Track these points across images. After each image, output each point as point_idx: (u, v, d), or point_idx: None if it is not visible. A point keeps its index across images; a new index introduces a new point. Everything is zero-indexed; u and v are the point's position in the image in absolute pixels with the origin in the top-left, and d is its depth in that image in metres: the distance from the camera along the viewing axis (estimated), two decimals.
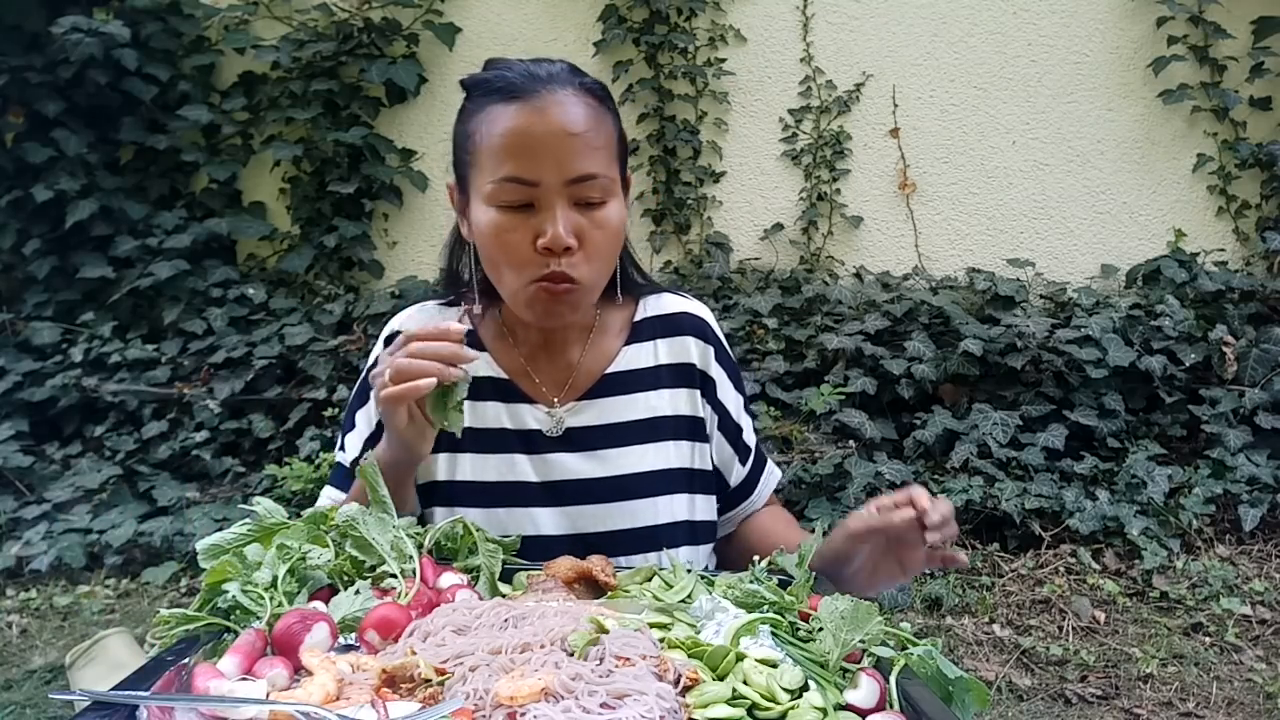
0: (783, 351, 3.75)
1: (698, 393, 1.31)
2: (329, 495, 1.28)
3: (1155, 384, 3.59)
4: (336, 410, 3.72)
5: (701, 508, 1.31)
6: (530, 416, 1.26)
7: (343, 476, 1.29)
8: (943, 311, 3.79)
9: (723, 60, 4.18)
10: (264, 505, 1.01)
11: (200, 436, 3.81)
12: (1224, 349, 3.58)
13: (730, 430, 1.33)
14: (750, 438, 1.36)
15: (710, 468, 1.32)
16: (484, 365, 1.27)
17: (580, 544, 1.17)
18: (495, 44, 4.28)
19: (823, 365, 3.71)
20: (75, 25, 3.88)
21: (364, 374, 1.32)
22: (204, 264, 4.20)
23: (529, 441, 1.25)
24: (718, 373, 1.33)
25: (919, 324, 3.79)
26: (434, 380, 1.03)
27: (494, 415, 1.26)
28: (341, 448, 1.31)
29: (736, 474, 1.35)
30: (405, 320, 1.31)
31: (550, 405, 1.26)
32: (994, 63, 4.12)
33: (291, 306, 4.14)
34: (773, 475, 1.41)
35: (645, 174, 4.21)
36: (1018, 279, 3.96)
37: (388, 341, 1.29)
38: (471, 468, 1.24)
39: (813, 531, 1.12)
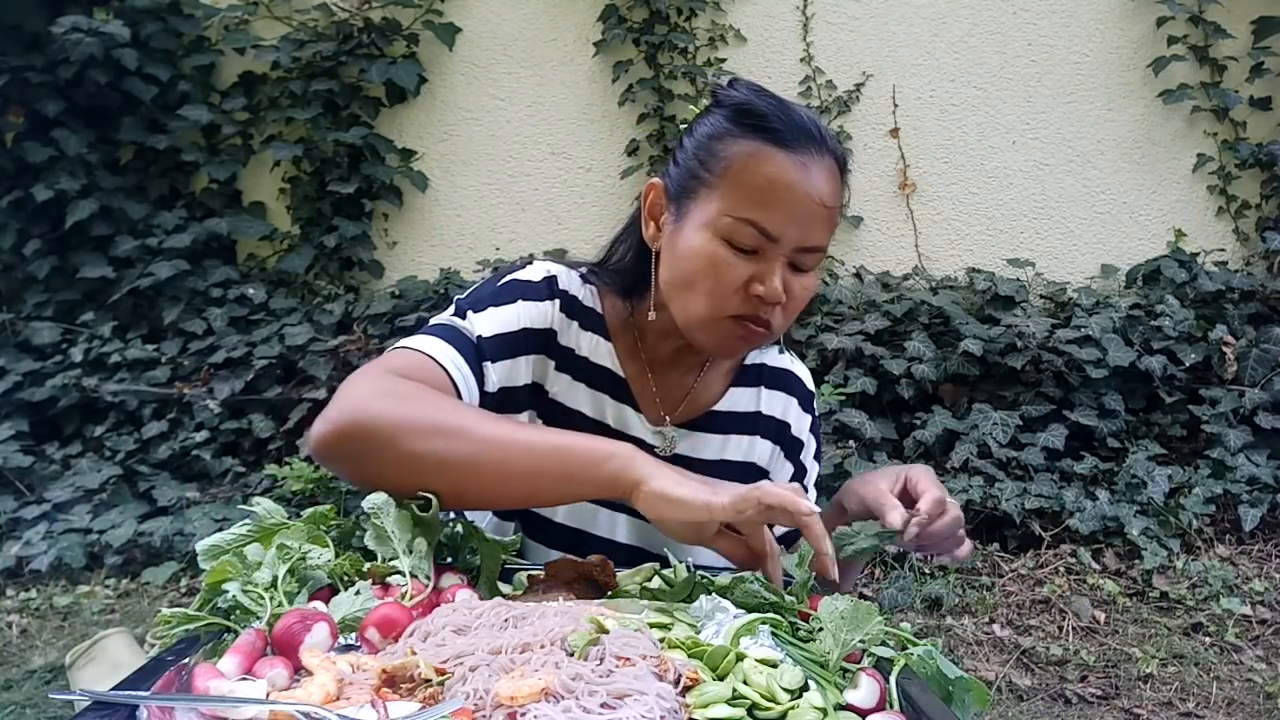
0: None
1: (777, 449, 1.32)
2: (448, 355, 1.09)
3: (1155, 384, 3.59)
4: None
5: None
6: (635, 423, 1.24)
7: (466, 345, 1.12)
8: (943, 311, 3.79)
9: (723, 60, 4.18)
10: (264, 505, 1.01)
11: (200, 436, 3.82)
12: (1224, 349, 3.58)
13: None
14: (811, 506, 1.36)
15: None
16: (606, 355, 1.23)
17: (644, 559, 1.15)
18: (495, 44, 4.29)
19: (823, 365, 3.71)
20: (75, 25, 3.88)
21: (503, 280, 1.20)
22: (204, 264, 4.20)
23: None
24: (808, 439, 1.36)
25: (919, 324, 3.80)
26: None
27: (601, 407, 1.23)
28: (461, 315, 1.16)
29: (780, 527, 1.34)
30: (570, 282, 1.22)
31: (657, 422, 1.25)
32: (994, 63, 4.12)
33: (291, 306, 4.14)
34: None
35: (645, 174, 4.20)
36: (1018, 279, 3.96)
37: (551, 283, 1.20)
38: None
39: None
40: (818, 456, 1.37)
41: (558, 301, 1.21)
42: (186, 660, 0.80)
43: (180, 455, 3.84)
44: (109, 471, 3.74)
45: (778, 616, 0.92)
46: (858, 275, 4.15)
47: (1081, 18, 4.07)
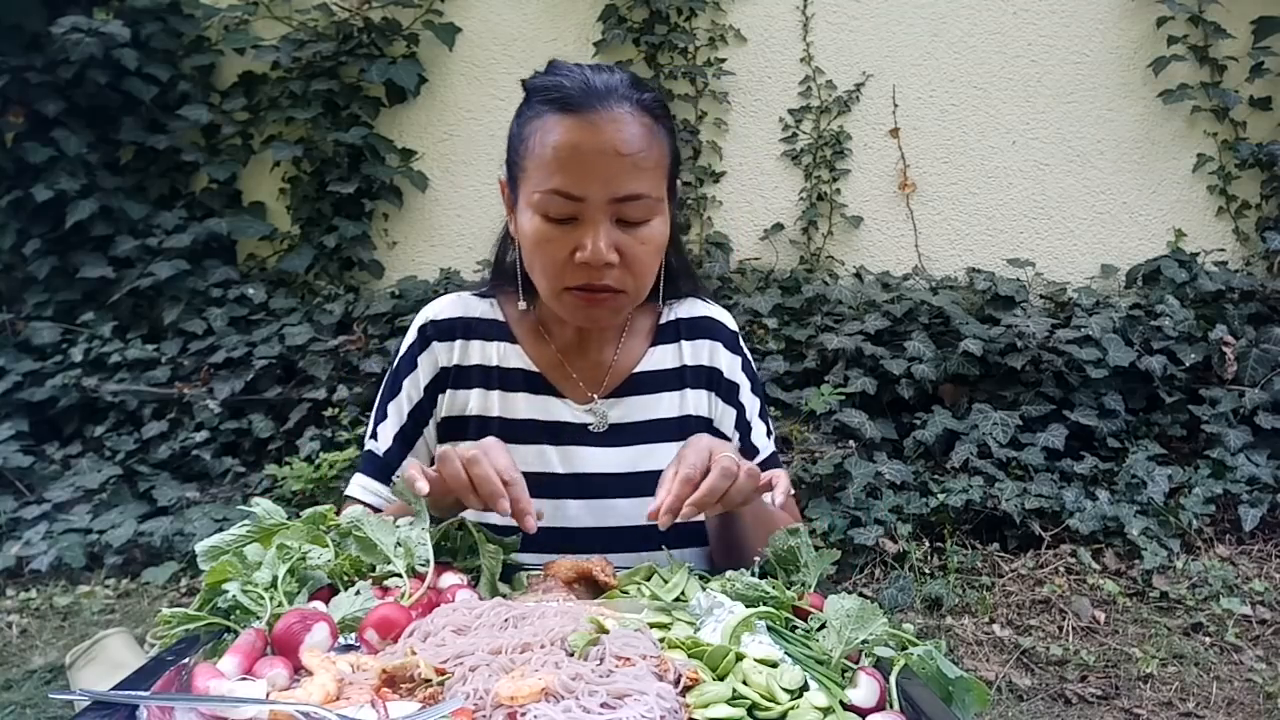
0: (783, 351, 3.75)
1: (714, 395, 1.35)
2: (361, 484, 1.30)
3: (1155, 384, 3.59)
4: (337, 410, 3.72)
5: None
6: (562, 410, 1.28)
7: (376, 466, 1.30)
8: (943, 311, 3.79)
9: (723, 60, 4.18)
10: (263, 506, 1.01)
11: (200, 436, 3.81)
12: (1224, 349, 3.58)
13: (742, 426, 1.37)
14: (760, 441, 1.38)
15: None
16: (515, 358, 1.29)
17: (604, 536, 1.19)
18: (495, 44, 4.28)
19: (823, 365, 3.71)
20: (75, 25, 3.88)
21: (394, 364, 1.33)
22: (204, 264, 4.20)
23: (559, 434, 1.27)
24: (741, 379, 1.38)
25: (919, 324, 3.79)
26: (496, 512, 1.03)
27: (524, 407, 1.28)
28: (374, 436, 1.33)
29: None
30: (442, 309, 1.32)
31: (584, 401, 1.29)
32: (994, 63, 4.12)
33: (291, 306, 4.14)
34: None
35: None
36: (1018, 279, 3.96)
37: (422, 331, 1.31)
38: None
39: (813, 533, 1.12)
40: (755, 391, 1.40)
41: (432, 344, 1.30)
42: (186, 660, 0.80)
43: (180, 455, 3.84)
44: (109, 471, 3.74)
45: (773, 610, 0.92)
46: (858, 275, 4.14)
47: (1081, 18, 4.07)
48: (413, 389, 1.30)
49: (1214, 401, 3.54)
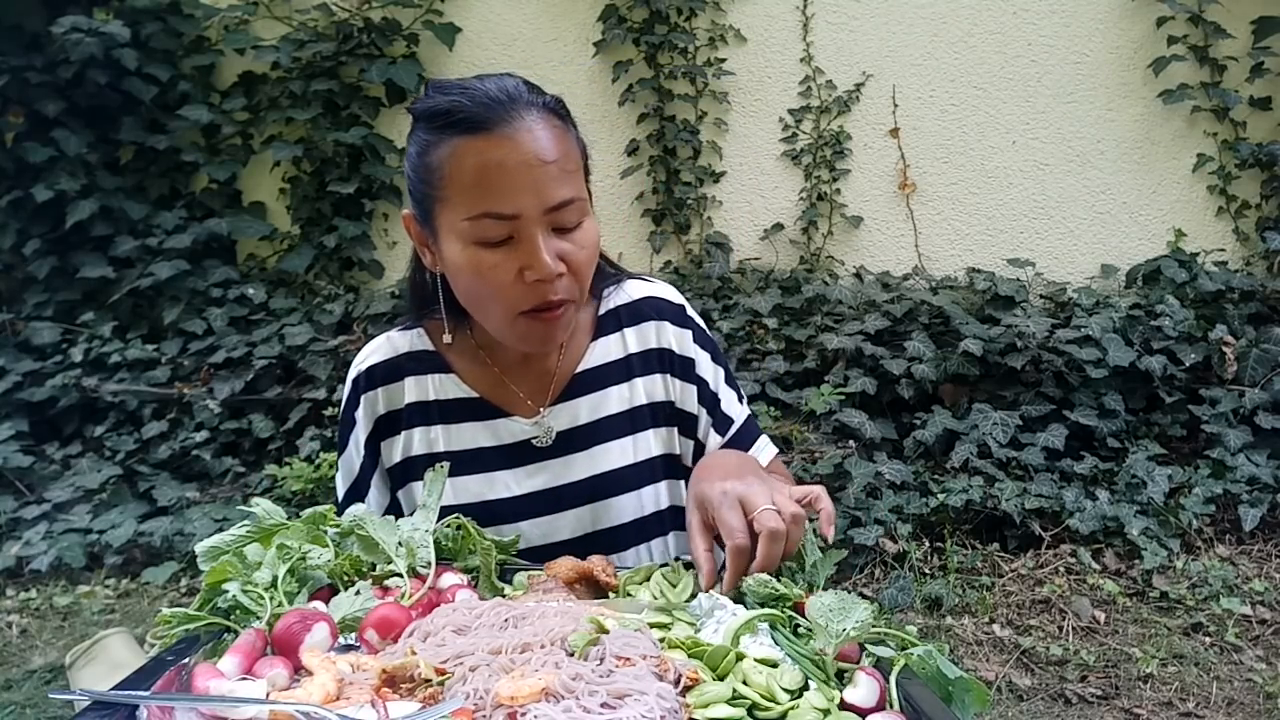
0: (783, 351, 3.75)
1: (670, 376, 1.30)
2: None
3: (1155, 384, 3.59)
4: (336, 410, 3.71)
5: (682, 493, 1.29)
6: (512, 430, 1.25)
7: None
8: (943, 311, 3.79)
9: (723, 60, 4.18)
10: (263, 506, 1.01)
11: (200, 436, 3.82)
12: (1224, 349, 3.58)
13: (708, 400, 1.32)
14: (732, 410, 1.33)
15: (688, 453, 1.31)
16: (453, 387, 1.26)
17: (567, 549, 1.16)
18: (495, 44, 4.28)
19: (823, 365, 3.71)
20: (75, 25, 3.89)
21: (340, 418, 1.31)
22: (204, 264, 4.20)
23: (511, 455, 1.24)
24: (696, 352, 1.32)
25: (919, 324, 3.79)
26: None
27: (470, 436, 1.25)
28: (335, 486, 1.34)
29: (714, 443, 1.31)
30: (368, 356, 1.29)
31: (531, 414, 1.25)
32: (994, 63, 4.12)
33: (291, 306, 4.14)
34: (764, 451, 1.35)
35: (645, 174, 4.20)
36: (1018, 279, 3.96)
37: (355, 384, 1.28)
38: (453, 492, 1.22)
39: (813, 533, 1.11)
40: (716, 360, 1.34)
41: (362, 396, 1.28)
42: (186, 660, 0.80)
43: (180, 455, 3.84)
44: (109, 471, 3.75)
45: (776, 612, 0.92)
46: (858, 275, 4.14)
47: (1081, 18, 4.07)
48: (356, 445, 1.27)
49: (1214, 401, 3.54)
